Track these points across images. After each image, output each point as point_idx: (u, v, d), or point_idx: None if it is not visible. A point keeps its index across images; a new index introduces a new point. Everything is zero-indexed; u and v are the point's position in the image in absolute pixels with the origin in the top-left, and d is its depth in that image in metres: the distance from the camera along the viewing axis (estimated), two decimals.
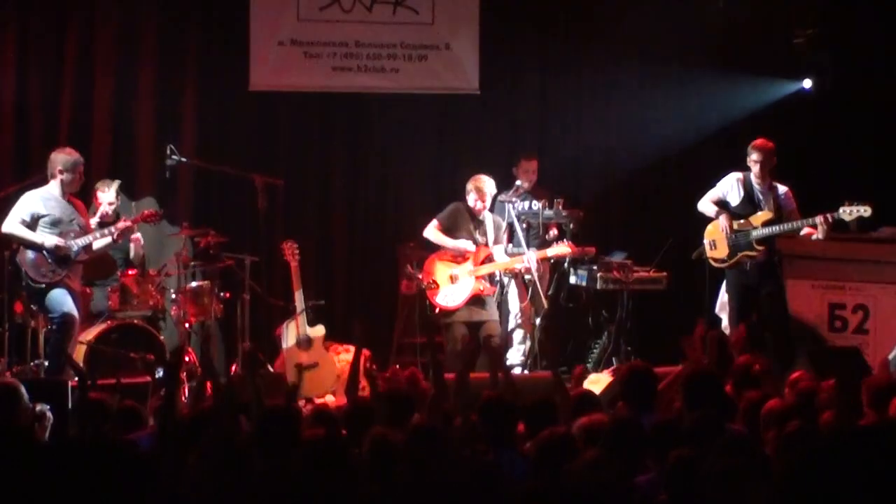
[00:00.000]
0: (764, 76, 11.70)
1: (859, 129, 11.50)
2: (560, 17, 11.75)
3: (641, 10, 11.60)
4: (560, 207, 10.53)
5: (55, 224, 8.98)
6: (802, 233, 9.59)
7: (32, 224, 8.93)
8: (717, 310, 10.17)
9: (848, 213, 9.36)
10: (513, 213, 10.06)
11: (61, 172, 8.99)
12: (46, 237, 8.90)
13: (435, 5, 11.35)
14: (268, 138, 11.21)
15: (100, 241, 9.20)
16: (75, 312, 8.92)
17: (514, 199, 10.24)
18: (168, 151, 10.02)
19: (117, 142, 10.78)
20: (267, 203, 9.91)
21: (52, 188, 9.04)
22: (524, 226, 10.23)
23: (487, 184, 9.90)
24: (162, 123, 10.81)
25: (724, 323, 9.98)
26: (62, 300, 8.89)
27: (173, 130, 10.74)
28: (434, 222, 9.93)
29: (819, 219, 9.35)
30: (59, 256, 8.89)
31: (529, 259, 9.82)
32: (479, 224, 9.99)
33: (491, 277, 10.01)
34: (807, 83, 11.62)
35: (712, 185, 10.09)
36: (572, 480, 4.66)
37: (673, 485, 4.68)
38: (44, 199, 8.99)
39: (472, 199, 9.92)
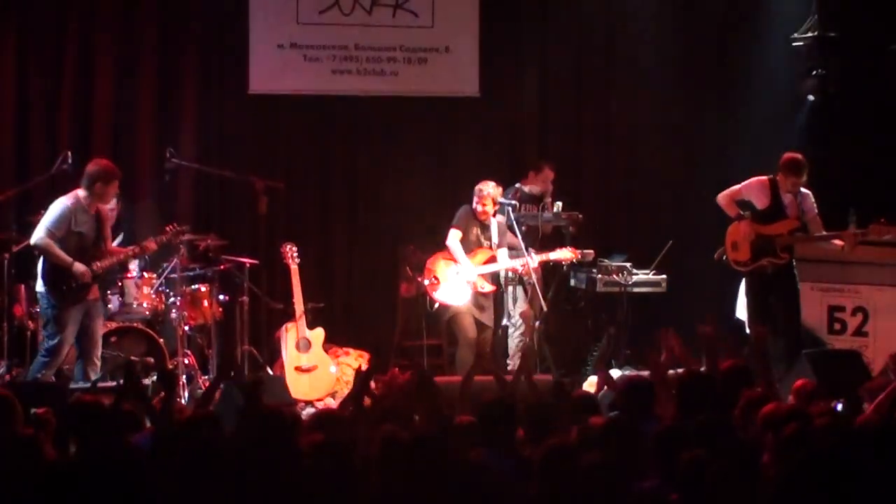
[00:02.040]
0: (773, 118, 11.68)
1: (860, 131, 11.48)
2: (560, 19, 11.75)
3: (641, 12, 11.61)
4: (559, 210, 10.54)
5: (82, 243, 8.72)
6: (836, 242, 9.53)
7: (63, 238, 8.65)
8: (737, 313, 10.13)
9: (879, 231, 9.31)
10: (512, 216, 10.07)
11: (97, 185, 8.70)
12: (76, 263, 8.63)
13: (435, 8, 11.36)
14: (267, 141, 11.21)
15: (124, 263, 9.15)
16: (65, 348, 8.70)
17: (513, 202, 10.24)
18: (168, 154, 10.02)
19: (117, 144, 10.77)
20: (267, 206, 9.91)
21: (83, 198, 8.73)
22: (523, 228, 10.23)
23: (491, 189, 9.90)
24: (162, 126, 10.81)
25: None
26: (61, 328, 8.65)
27: (173, 133, 10.74)
28: (455, 232, 9.92)
29: (849, 232, 9.32)
30: (81, 283, 8.69)
31: (531, 260, 9.83)
32: (486, 228, 10.00)
33: (493, 277, 10.04)
34: (809, 97, 11.56)
35: (711, 187, 10.08)
36: (575, 485, 4.67)
37: (685, 487, 4.68)
38: (76, 212, 8.70)
39: (475, 203, 9.93)
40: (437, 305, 9.94)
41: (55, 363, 8.70)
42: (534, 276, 9.91)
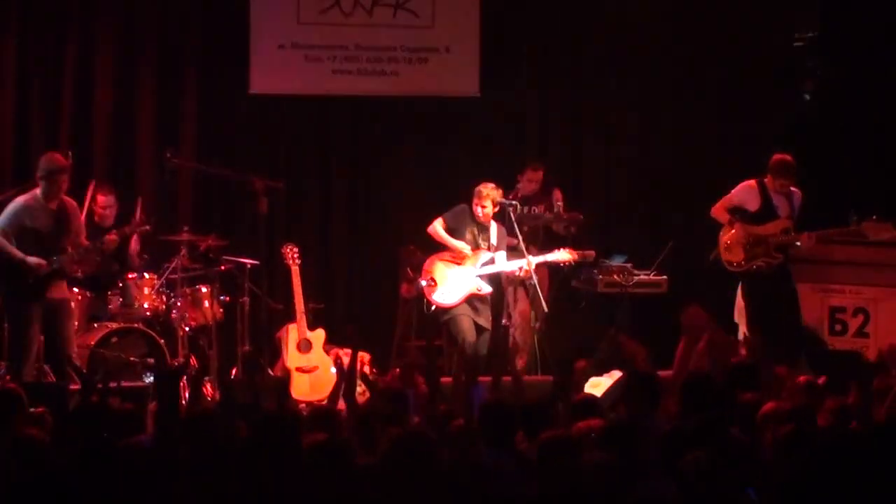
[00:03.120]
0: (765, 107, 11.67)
1: (860, 131, 11.48)
2: (560, 19, 11.74)
3: (641, 13, 11.60)
4: (560, 211, 10.53)
5: (39, 239, 8.71)
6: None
7: (18, 235, 8.66)
8: (735, 316, 10.14)
9: (874, 229, 9.39)
10: (512, 216, 10.05)
11: (39, 178, 8.74)
12: (28, 257, 8.61)
13: (435, 8, 11.35)
14: (268, 141, 11.21)
15: (86, 257, 9.09)
16: (33, 343, 8.66)
17: (514, 202, 10.23)
18: (168, 154, 10.03)
19: (117, 145, 10.78)
20: (267, 206, 9.91)
21: (39, 195, 8.76)
22: (525, 229, 10.22)
23: (491, 190, 9.88)
24: (162, 126, 10.81)
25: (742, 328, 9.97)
26: (24, 326, 8.64)
27: (173, 133, 10.75)
28: (439, 220, 9.93)
29: (804, 235, 9.43)
30: (38, 276, 8.64)
31: (529, 263, 9.82)
32: (484, 230, 9.97)
33: (491, 280, 10.02)
34: (807, 97, 11.53)
35: (711, 188, 10.09)
36: (574, 484, 4.67)
37: (687, 487, 4.68)
38: (30, 210, 8.72)
39: (475, 204, 9.92)
40: (433, 308, 9.91)
41: (27, 363, 8.64)
42: (534, 277, 9.89)
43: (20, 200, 8.79)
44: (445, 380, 8.19)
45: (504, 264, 9.97)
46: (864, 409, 6.02)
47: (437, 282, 9.86)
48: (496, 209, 9.95)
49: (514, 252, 10.05)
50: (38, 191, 8.80)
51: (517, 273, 9.96)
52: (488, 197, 9.84)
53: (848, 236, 9.76)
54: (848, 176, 11.24)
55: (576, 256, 10.09)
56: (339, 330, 10.49)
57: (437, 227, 9.91)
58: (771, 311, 9.57)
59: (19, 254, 8.64)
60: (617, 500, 4.72)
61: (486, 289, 9.90)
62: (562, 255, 10.06)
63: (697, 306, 7.53)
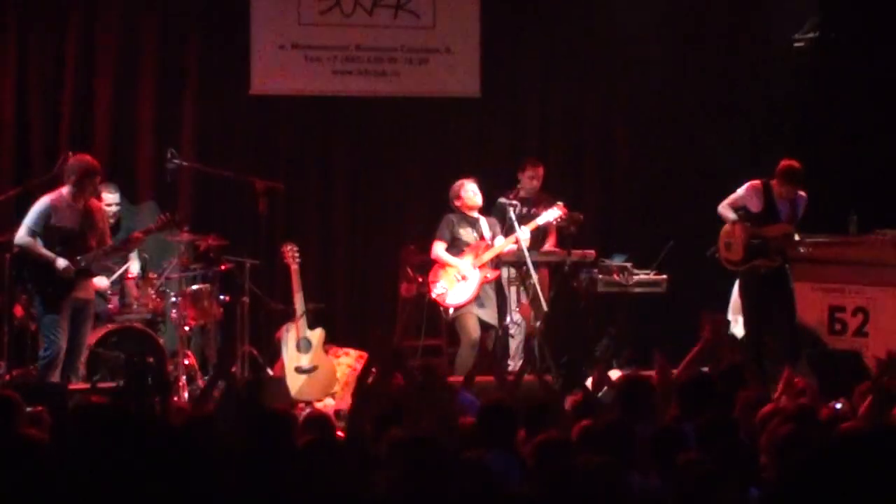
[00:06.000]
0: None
1: (860, 131, 11.47)
2: (561, 20, 11.74)
3: (642, 12, 11.60)
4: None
5: (65, 238, 8.79)
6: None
7: (44, 234, 8.74)
8: (729, 314, 10.16)
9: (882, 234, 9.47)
10: (513, 215, 10.08)
11: (68, 180, 8.80)
12: (58, 258, 8.70)
13: (436, 9, 11.36)
14: (268, 142, 11.22)
15: (111, 256, 9.18)
16: (62, 342, 8.72)
17: (514, 202, 10.25)
18: (169, 155, 10.02)
19: (118, 145, 10.78)
20: (267, 206, 9.91)
21: (66, 193, 8.82)
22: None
23: (466, 187, 10.04)
24: (162, 126, 10.81)
25: (737, 326, 9.98)
26: (53, 328, 8.72)
27: (174, 134, 10.75)
28: (439, 243, 10.03)
29: (806, 243, 9.50)
30: (65, 279, 8.74)
31: (522, 234, 9.89)
32: (473, 223, 10.06)
33: (494, 263, 10.10)
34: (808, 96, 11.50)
35: (711, 188, 10.10)
36: (569, 485, 4.67)
37: (682, 488, 4.68)
38: (56, 208, 8.78)
39: (456, 201, 10.04)
40: (451, 311, 10.00)
41: (57, 360, 8.73)
42: (534, 277, 9.91)
43: (46, 199, 8.83)
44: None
45: (501, 243, 10.06)
46: (873, 409, 6.02)
47: (448, 287, 9.95)
48: (480, 199, 10.06)
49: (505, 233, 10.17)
50: (64, 190, 8.84)
51: (514, 246, 10.02)
52: (463, 186, 9.97)
53: (849, 246, 9.82)
54: (848, 177, 11.23)
55: (564, 213, 10.10)
56: (346, 330, 10.56)
57: (439, 251, 10.02)
58: (767, 310, 9.59)
59: (49, 254, 8.73)
60: (615, 500, 4.71)
61: (493, 274, 10.02)
62: (552, 213, 10.11)
63: (720, 316, 7.62)
